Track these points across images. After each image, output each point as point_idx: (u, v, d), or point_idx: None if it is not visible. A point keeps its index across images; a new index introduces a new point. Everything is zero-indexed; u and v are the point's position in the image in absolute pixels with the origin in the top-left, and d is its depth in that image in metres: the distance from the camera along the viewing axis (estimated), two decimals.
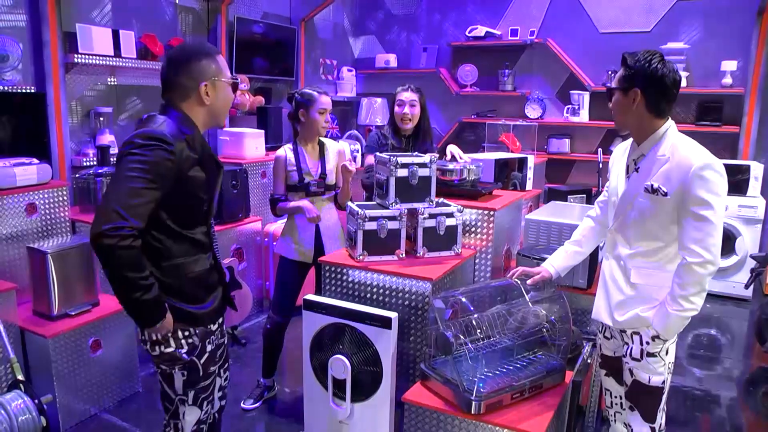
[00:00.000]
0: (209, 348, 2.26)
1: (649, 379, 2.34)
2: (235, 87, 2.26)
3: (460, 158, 3.68)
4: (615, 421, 2.69)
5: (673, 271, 2.26)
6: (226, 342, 2.48)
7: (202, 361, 2.24)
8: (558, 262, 2.71)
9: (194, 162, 2.09)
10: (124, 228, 1.87)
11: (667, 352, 2.33)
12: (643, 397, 2.37)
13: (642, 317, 2.31)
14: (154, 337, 2.13)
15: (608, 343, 2.56)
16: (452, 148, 3.70)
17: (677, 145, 2.23)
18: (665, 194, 2.22)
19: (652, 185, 2.26)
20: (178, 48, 2.19)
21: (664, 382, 2.34)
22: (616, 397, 2.64)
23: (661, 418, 2.39)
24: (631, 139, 2.42)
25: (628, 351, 2.38)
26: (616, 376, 2.58)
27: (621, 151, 2.49)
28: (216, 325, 2.30)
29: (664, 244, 2.29)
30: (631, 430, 2.44)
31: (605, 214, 2.58)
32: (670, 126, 2.29)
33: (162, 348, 2.16)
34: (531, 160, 4.72)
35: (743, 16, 6.03)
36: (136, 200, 1.91)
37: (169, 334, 2.14)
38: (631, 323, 2.35)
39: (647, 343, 2.31)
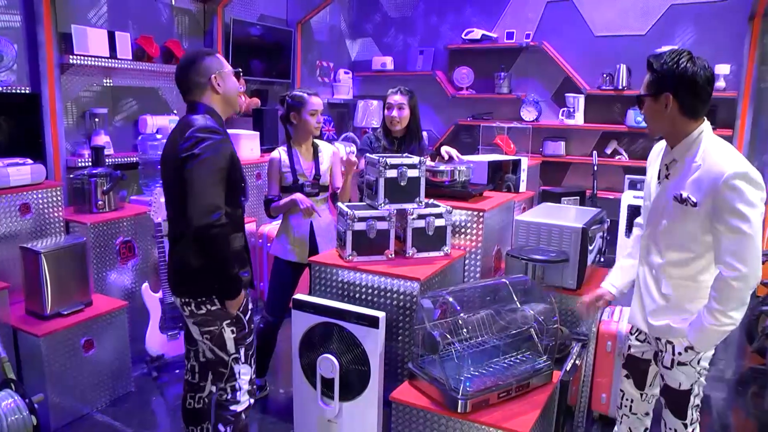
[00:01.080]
0: (250, 307, 2.62)
1: (680, 385, 2.34)
2: (237, 76, 2.61)
3: (457, 158, 3.70)
4: (621, 422, 2.70)
5: (705, 281, 2.22)
6: None
7: (246, 317, 2.58)
8: (617, 281, 2.62)
9: (232, 147, 2.46)
10: (222, 216, 2.27)
11: (699, 362, 2.30)
12: (674, 398, 2.38)
13: (674, 328, 2.28)
14: (235, 308, 2.49)
15: (640, 345, 2.54)
16: (449, 150, 3.73)
17: (709, 150, 2.13)
18: (694, 205, 2.13)
19: (681, 194, 2.18)
20: (183, 56, 2.57)
21: (693, 385, 2.33)
22: (627, 399, 2.64)
23: (693, 414, 2.39)
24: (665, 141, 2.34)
25: (661, 358, 2.37)
26: (636, 379, 2.58)
27: (657, 151, 2.41)
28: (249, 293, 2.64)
29: (695, 255, 2.21)
30: (665, 423, 2.44)
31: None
32: (704, 128, 2.19)
33: (208, 306, 2.45)
34: (524, 162, 4.75)
35: (736, 20, 6.05)
36: (218, 189, 2.30)
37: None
38: (664, 332, 2.32)
39: (679, 353, 2.29)
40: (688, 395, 2.34)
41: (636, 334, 2.56)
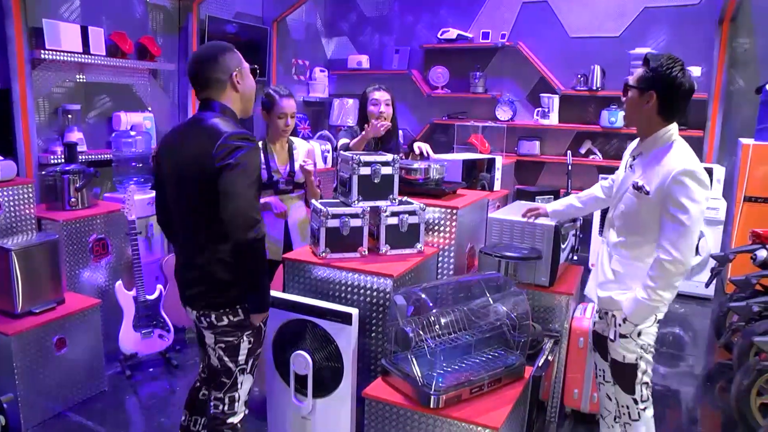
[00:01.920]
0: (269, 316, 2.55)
1: (624, 358, 2.54)
2: (254, 72, 2.51)
3: (427, 154, 3.72)
4: (599, 389, 2.92)
5: (650, 264, 2.41)
6: None
7: (265, 327, 2.54)
8: (554, 206, 3.09)
9: None
10: (261, 230, 2.22)
11: (639, 334, 2.49)
12: (620, 373, 2.58)
13: (615, 300, 2.53)
14: (259, 321, 2.45)
15: (599, 322, 2.76)
16: (420, 144, 3.74)
17: (671, 149, 2.39)
18: (647, 193, 2.39)
19: (637, 183, 2.43)
20: (202, 50, 2.46)
21: (638, 359, 2.52)
22: (600, 369, 2.86)
23: (642, 390, 2.56)
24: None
25: (609, 332, 2.60)
26: (601, 352, 2.78)
27: (632, 144, 2.64)
28: None
29: (644, 240, 2.46)
30: (617, 402, 2.65)
31: (612, 189, 2.78)
32: (671, 129, 2.43)
33: (231, 317, 2.38)
34: (499, 161, 4.79)
35: (706, 24, 6.17)
36: (256, 201, 2.25)
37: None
38: (608, 303, 2.58)
39: (619, 324, 2.51)
40: (635, 370, 2.53)
41: (598, 312, 2.78)
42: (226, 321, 2.38)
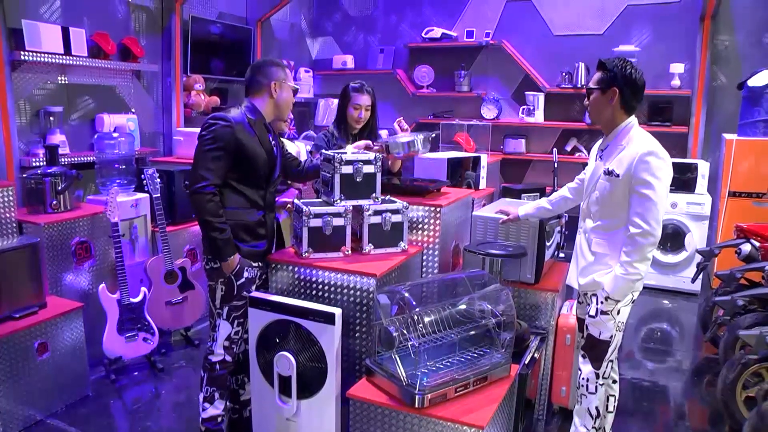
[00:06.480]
0: (245, 275, 2.90)
1: (600, 334, 2.77)
2: (295, 92, 3.05)
3: (406, 129, 3.98)
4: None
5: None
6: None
7: (238, 282, 2.88)
8: (526, 209, 3.24)
9: (251, 138, 2.84)
10: (208, 186, 2.72)
11: (618, 312, 2.73)
12: (592, 348, 2.81)
13: (598, 281, 2.73)
14: (226, 270, 2.84)
15: (581, 307, 2.95)
16: (399, 120, 4.01)
17: (633, 137, 2.66)
18: (617, 176, 2.63)
19: (608, 168, 2.68)
20: (260, 59, 2.89)
21: (611, 337, 2.76)
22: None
23: (606, 366, 2.82)
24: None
25: (587, 310, 2.80)
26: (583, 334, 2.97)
27: (598, 143, 2.90)
28: (255, 264, 2.96)
29: (619, 221, 2.68)
30: (581, 372, 2.86)
31: (580, 188, 3.04)
32: (632, 121, 2.71)
33: (212, 264, 2.87)
34: (484, 159, 4.79)
35: (688, 21, 6.21)
36: (213, 164, 2.74)
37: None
38: (590, 286, 2.78)
39: (602, 302, 2.72)
40: (607, 346, 2.77)
41: (578, 298, 3.00)
42: (209, 266, 2.89)
